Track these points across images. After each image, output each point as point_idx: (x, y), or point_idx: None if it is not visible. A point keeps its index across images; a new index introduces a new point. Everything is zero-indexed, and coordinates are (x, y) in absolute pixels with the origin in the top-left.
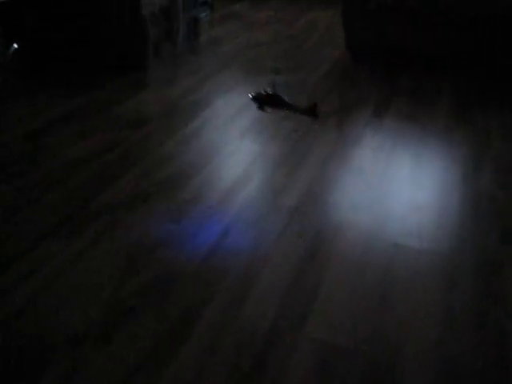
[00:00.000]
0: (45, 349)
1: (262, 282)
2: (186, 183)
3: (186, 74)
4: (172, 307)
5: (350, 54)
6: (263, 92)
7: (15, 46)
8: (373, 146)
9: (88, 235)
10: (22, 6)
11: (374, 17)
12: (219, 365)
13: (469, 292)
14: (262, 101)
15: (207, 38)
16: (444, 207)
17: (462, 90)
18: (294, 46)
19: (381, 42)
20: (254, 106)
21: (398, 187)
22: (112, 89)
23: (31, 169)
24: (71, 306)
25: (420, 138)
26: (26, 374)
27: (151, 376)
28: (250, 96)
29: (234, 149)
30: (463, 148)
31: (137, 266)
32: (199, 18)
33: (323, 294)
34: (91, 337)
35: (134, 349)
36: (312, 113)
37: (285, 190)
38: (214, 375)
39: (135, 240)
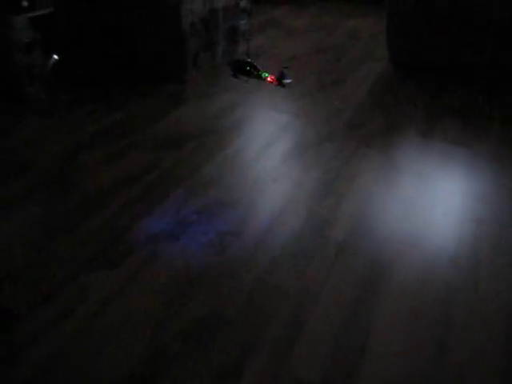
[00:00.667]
0: None
1: (311, 325)
2: (228, 211)
3: (226, 88)
4: (217, 353)
5: (393, 68)
6: (240, 59)
7: (55, 57)
8: (420, 172)
9: (127, 267)
10: (62, 18)
11: (421, 30)
12: None
13: None
14: (237, 68)
15: (246, 47)
16: (500, 244)
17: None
18: (335, 57)
19: (427, 57)
20: (295, 125)
21: (449, 219)
22: (150, 103)
23: (68, 192)
24: (111, 350)
25: (469, 164)
26: None
27: None
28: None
29: (275, 174)
30: None
31: (178, 304)
32: (239, 28)
33: (376, 340)
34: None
35: None
36: (279, 82)
37: (332, 220)
38: None
39: (176, 274)
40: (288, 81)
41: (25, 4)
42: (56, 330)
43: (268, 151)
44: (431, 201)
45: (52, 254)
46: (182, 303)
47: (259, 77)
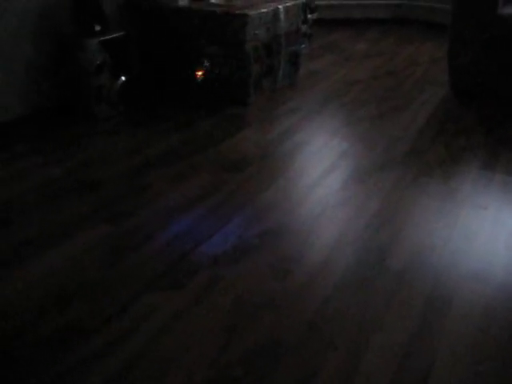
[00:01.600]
0: None
1: (372, 355)
2: (288, 236)
3: (286, 113)
4: (279, 379)
5: (454, 95)
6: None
7: (123, 78)
8: (481, 204)
9: (190, 289)
10: (131, 41)
11: (484, 57)
12: None
13: None
14: None
15: (306, 72)
16: None
17: None
18: (395, 84)
19: (490, 85)
20: (354, 152)
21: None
22: (213, 125)
23: (133, 211)
24: (174, 369)
25: None
26: None
27: None
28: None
29: (335, 201)
30: None
31: (240, 328)
32: (300, 52)
33: (435, 375)
34: None
35: None
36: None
37: (391, 250)
38: None
39: (238, 297)
40: None
41: (97, 28)
42: (122, 347)
43: (327, 177)
44: (493, 234)
45: (119, 271)
46: (244, 328)
47: None
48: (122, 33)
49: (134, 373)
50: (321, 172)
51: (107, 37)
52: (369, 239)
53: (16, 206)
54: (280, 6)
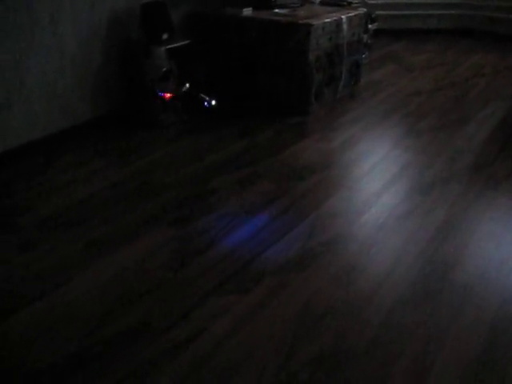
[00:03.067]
0: None
1: (437, 371)
2: (353, 246)
3: (347, 123)
4: None
5: None
6: None
7: (187, 85)
8: None
9: (255, 295)
10: (196, 50)
11: None
12: None
13: None
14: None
15: (366, 82)
16: None
17: None
18: (458, 95)
19: None
20: (417, 163)
21: None
22: (275, 134)
23: (198, 215)
24: (242, 371)
25: None
26: None
27: None
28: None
29: (399, 212)
30: None
31: (306, 334)
32: (361, 62)
33: None
34: None
35: None
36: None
37: (457, 264)
38: None
39: (303, 304)
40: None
41: (164, 36)
42: (189, 348)
43: (391, 188)
44: None
45: (185, 274)
46: (308, 335)
47: None
48: (187, 41)
49: (201, 374)
50: (384, 182)
51: (174, 45)
52: (434, 252)
53: (84, 208)
54: (343, 16)
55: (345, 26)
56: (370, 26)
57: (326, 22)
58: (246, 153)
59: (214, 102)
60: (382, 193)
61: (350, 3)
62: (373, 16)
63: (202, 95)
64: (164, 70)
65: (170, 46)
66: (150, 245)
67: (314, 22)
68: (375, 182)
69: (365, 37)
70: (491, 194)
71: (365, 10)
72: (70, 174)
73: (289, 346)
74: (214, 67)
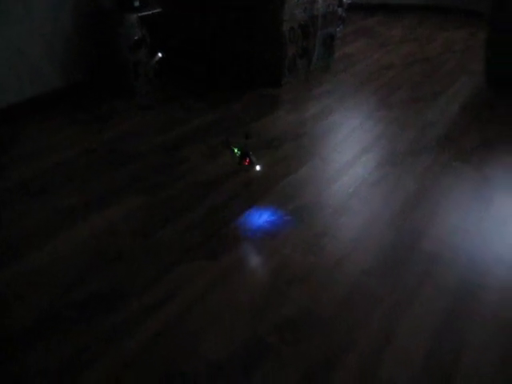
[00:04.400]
0: (182, 377)
1: (403, 333)
2: (323, 214)
3: (320, 95)
4: (309, 352)
5: (489, 83)
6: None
7: (159, 55)
8: None
9: (224, 262)
10: (169, 18)
11: None
12: None
13: None
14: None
15: (340, 55)
16: None
17: None
18: (429, 70)
19: None
20: (389, 135)
21: None
22: (247, 105)
23: (169, 183)
24: (211, 334)
25: None
26: None
27: None
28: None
29: (369, 181)
30: None
31: (275, 299)
32: (335, 35)
33: (467, 355)
34: (231, 371)
35: None
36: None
37: (424, 233)
38: None
39: (273, 270)
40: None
41: (136, 4)
42: (160, 312)
43: (362, 158)
44: None
45: (156, 240)
46: (279, 299)
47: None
48: (159, 9)
49: (170, 338)
50: (355, 152)
51: (145, 13)
52: (403, 221)
53: (56, 175)
54: None
55: None
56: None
57: None
58: (218, 122)
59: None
60: (354, 162)
61: None
62: None
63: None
64: (136, 38)
65: (142, 14)
66: (121, 212)
67: None
68: (347, 151)
69: (339, 10)
70: (459, 166)
71: None
72: (41, 141)
73: (258, 310)
74: (187, 36)
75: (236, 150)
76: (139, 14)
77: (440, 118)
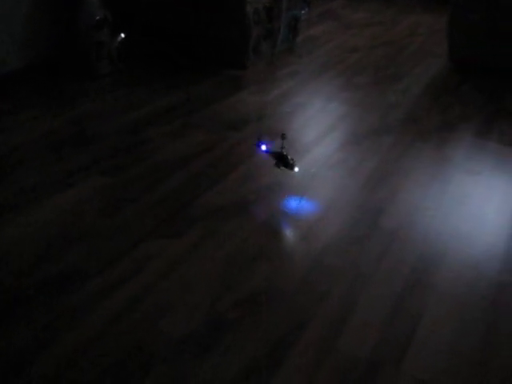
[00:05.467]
0: (144, 355)
1: (362, 306)
2: (285, 194)
3: (284, 77)
4: (270, 326)
5: (452, 66)
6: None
7: (122, 35)
8: (474, 170)
9: (187, 240)
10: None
11: (484, 30)
12: None
13: None
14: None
15: (305, 37)
16: None
17: None
18: (393, 52)
19: (489, 58)
20: (352, 116)
21: (503, 219)
22: (211, 86)
23: (132, 164)
24: (171, 312)
25: None
26: (126, 381)
27: None
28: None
29: (332, 162)
30: None
31: (236, 277)
32: (299, 17)
33: (423, 327)
34: (191, 347)
35: (230, 365)
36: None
37: (385, 210)
38: None
39: (234, 249)
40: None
41: None
42: (120, 291)
43: (325, 139)
44: (484, 198)
45: (117, 220)
46: (239, 277)
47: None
48: None
49: (132, 315)
50: (318, 133)
51: None
52: (364, 200)
53: (15, 157)
54: None
55: None
56: None
57: None
58: (181, 104)
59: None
60: (317, 143)
61: None
62: None
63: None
64: (98, 18)
65: None
66: (83, 192)
67: None
68: (310, 132)
69: None
70: (420, 146)
71: None
72: (2, 123)
73: (219, 287)
74: (150, 17)
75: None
76: None
77: (403, 99)
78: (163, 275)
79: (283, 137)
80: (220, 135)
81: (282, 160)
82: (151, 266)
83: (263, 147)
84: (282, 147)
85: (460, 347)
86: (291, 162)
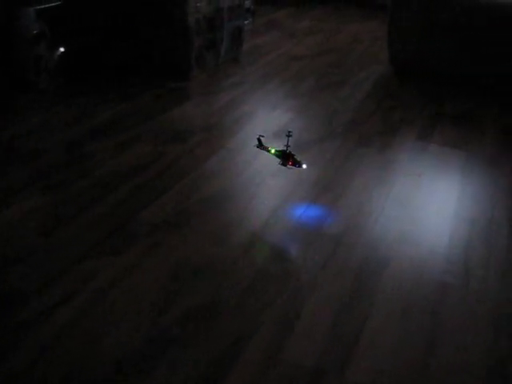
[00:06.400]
0: (86, 374)
1: (306, 314)
2: (230, 204)
3: (229, 87)
4: (214, 340)
5: (394, 72)
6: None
7: (61, 49)
8: (417, 173)
9: (129, 255)
10: (70, 10)
11: (422, 35)
12: None
13: None
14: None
15: (249, 47)
16: (492, 244)
17: (511, 115)
18: (337, 59)
19: (428, 62)
20: (296, 124)
21: (444, 220)
22: (154, 98)
23: (73, 180)
24: (114, 330)
25: (466, 167)
26: None
27: None
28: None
29: (276, 170)
30: (511, 178)
31: (179, 291)
32: (243, 27)
33: (367, 334)
34: (134, 364)
35: (175, 380)
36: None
37: (329, 215)
38: None
39: (177, 263)
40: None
41: None
42: (61, 310)
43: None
44: (426, 201)
45: (59, 238)
46: (183, 291)
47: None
48: (59, 2)
49: (74, 333)
50: (263, 142)
51: (44, 6)
52: (308, 206)
53: None
54: None
55: None
56: None
57: None
58: (124, 117)
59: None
60: (262, 152)
61: None
62: None
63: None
64: (35, 32)
65: (39, 7)
66: (22, 211)
67: None
68: (253, 142)
69: (247, 3)
70: (363, 151)
71: None
72: None
73: (162, 303)
74: (91, 30)
75: (273, 151)
76: (37, 7)
77: (346, 105)
78: (105, 293)
79: (289, 134)
80: (164, 147)
81: (289, 158)
82: (92, 284)
83: (266, 147)
84: (288, 145)
85: (403, 351)
86: (298, 159)
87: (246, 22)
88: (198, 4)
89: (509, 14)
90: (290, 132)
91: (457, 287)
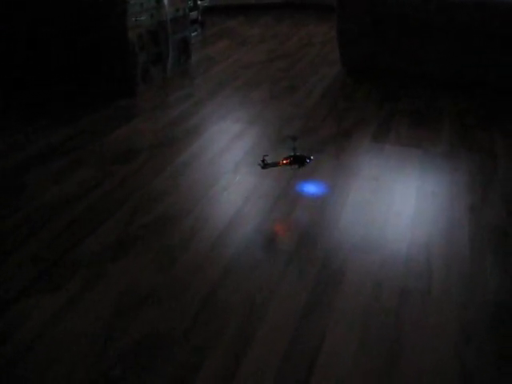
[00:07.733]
0: None
1: (260, 339)
2: (176, 225)
3: (178, 100)
4: (159, 376)
5: (346, 73)
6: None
7: None
8: (374, 176)
9: (69, 290)
10: (7, 32)
11: (370, 34)
12: None
13: (485, 349)
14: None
15: (199, 58)
16: (453, 244)
17: (464, 110)
18: (289, 65)
19: (378, 61)
20: (248, 133)
21: (404, 223)
22: (99, 118)
23: (9, 213)
24: (51, 377)
25: (423, 165)
26: None
27: None
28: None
29: (226, 184)
30: (468, 174)
31: (122, 326)
32: (189, 39)
33: (326, 350)
34: None
35: None
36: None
37: (283, 229)
38: None
39: (119, 294)
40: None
41: None
42: None
43: (220, 160)
44: (384, 203)
45: None
46: (125, 325)
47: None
48: None
49: (12, 375)
50: (212, 156)
51: None
52: (259, 221)
53: None
54: None
55: (165, 2)
56: (199, 2)
57: None
58: (67, 141)
59: None
60: (211, 166)
61: None
62: None
63: None
64: None
65: None
66: None
67: None
68: (204, 156)
69: (194, 14)
70: (317, 156)
71: None
72: None
73: (101, 342)
74: (28, 51)
75: (284, 162)
76: None
77: (298, 111)
78: (38, 337)
79: (294, 138)
80: (107, 170)
81: (299, 161)
82: (25, 327)
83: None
84: (294, 148)
85: (363, 363)
86: (307, 155)
87: (193, 34)
88: (138, 18)
89: (455, 7)
90: (294, 137)
91: (418, 290)
